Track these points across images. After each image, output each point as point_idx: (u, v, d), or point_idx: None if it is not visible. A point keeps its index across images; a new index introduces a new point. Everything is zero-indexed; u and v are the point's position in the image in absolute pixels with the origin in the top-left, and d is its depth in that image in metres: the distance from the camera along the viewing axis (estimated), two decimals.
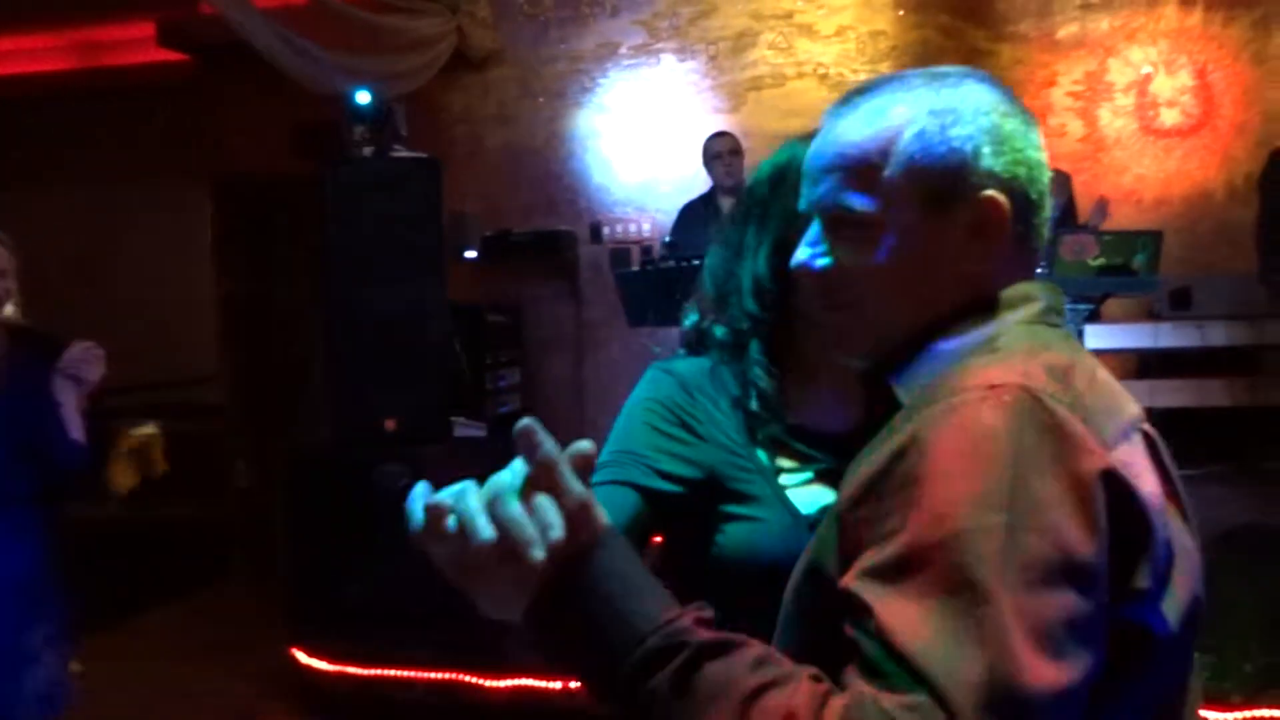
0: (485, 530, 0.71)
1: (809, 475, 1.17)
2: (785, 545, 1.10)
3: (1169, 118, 5.55)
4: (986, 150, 0.89)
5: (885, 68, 5.69)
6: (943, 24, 5.69)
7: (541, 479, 0.73)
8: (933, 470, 0.75)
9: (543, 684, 3.62)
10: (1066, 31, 5.66)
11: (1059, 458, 0.74)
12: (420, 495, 0.73)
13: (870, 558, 0.75)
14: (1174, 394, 4.54)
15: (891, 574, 0.73)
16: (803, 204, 0.97)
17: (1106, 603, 0.74)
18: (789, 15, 5.80)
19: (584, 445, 0.75)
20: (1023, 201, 0.90)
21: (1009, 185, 0.89)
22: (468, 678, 3.71)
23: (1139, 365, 4.89)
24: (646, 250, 5.79)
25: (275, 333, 5.96)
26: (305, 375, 4.62)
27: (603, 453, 1.20)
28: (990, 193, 0.88)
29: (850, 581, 0.75)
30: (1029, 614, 0.69)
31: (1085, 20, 5.64)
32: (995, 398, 0.76)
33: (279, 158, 5.40)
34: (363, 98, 4.36)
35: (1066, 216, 4.92)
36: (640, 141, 5.97)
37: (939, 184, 0.89)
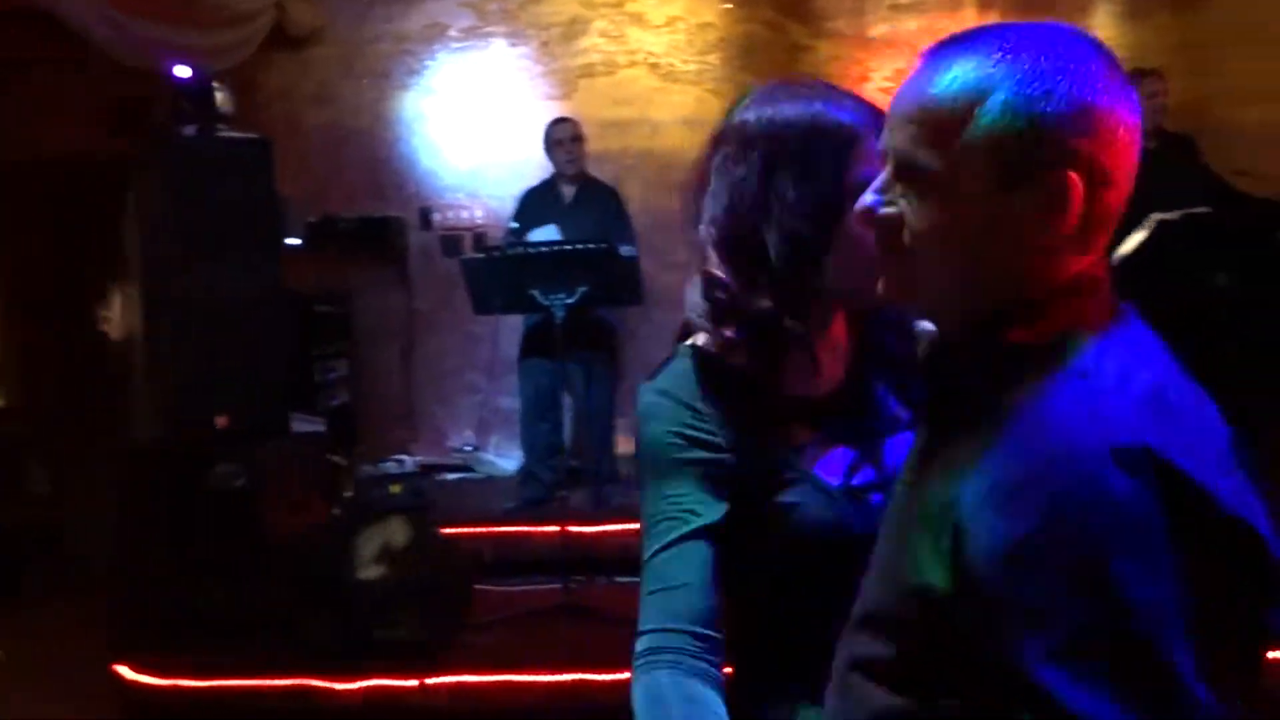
0: None
1: (819, 443, 1.18)
2: (826, 521, 1.14)
3: None
4: (1074, 129, 0.84)
5: (713, 59, 5.83)
6: (767, 19, 5.87)
7: None
8: (1088, 552, 0.77)
9: (397, 683, 3.52)
10: (878, 31, 5.96)
11: (1197, 519, 0.78)
12: None
13: (1037, 637, 0.78)
14: None
15: (1069, 658, 0.77)
16: (879, 144, 0.94)
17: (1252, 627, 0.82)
18: (620, 4, 5.83)
19: None
20: (1101, 183, 0.86)
21: (1089, 166, 0.85)
22: (317, 682, 3.55)
23: None
24: (479, 237, 5.69)
25: (82, 326, 5.51)
26: (125, 370, 4.30)
27: (648, 504, 1.18)
28: (1066, 172, 0.84)
29: (1019, 662, 0.78)
30: (1205, 667, 0.76)
31: (895, 20, 5.96)
32: (1127, 464, 0.78)
33: (80, 137, 4.98)
34: (182, 73, 4.08)
35: None
36: (470, 126, 5.85)
37: (1017, 157, 0.85)
